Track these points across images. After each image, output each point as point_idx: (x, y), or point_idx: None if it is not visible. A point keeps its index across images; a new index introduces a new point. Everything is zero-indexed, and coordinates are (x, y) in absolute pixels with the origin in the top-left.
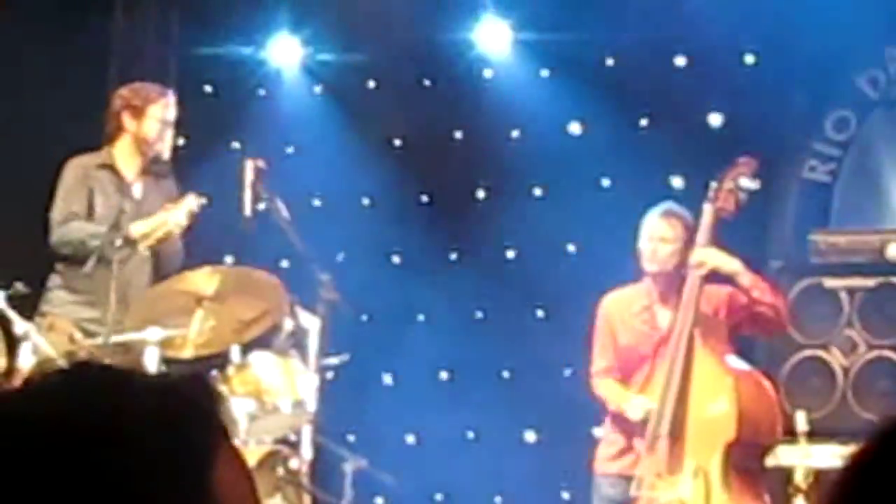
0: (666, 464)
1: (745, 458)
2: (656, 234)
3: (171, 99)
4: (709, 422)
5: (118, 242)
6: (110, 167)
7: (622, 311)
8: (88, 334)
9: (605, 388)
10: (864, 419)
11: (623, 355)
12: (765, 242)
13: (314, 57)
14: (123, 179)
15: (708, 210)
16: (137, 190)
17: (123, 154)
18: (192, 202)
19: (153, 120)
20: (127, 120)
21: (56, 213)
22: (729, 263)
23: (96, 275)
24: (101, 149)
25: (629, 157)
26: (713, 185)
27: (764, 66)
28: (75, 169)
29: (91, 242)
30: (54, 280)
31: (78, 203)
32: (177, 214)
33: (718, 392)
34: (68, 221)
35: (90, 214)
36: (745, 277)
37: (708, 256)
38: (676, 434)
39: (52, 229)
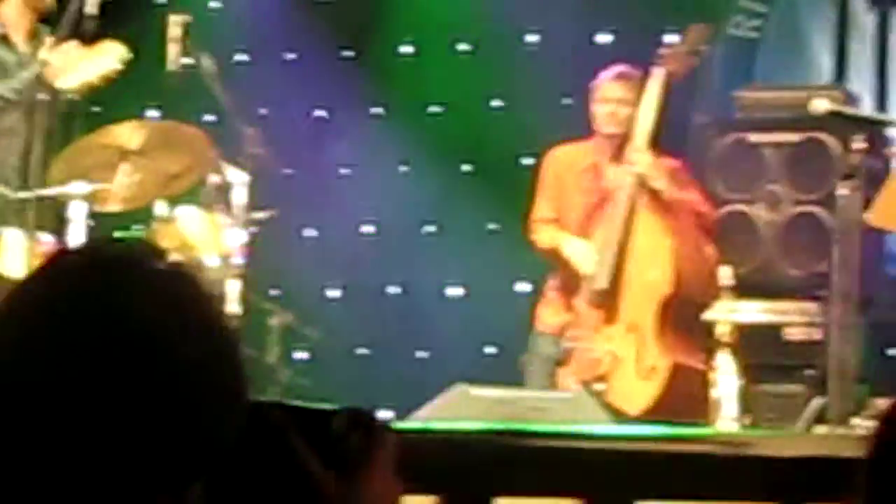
0: (601, 318)
1: (681, 315)
2: (613, 96)
3: None
4: (646, 278)
5: (43, 95)
6: (4, 37)
7: (569, 166)
8: None
9: (547, 235)
10: (788, 275)
11: (567, 209)
12: (690, 98)
13: None
14: (16, 49)
15: (659, 73)
16: (27, 56)
17: (13, 13)
18: (120, 49)
19: None
20: None
21: None
22: (656, 180)
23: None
24: None
25: (556, 13)
26: (664, 49)
27: None
28: None
29: (6, 95)
30: None
31: None
32: (108, 62)
33: (658, 250)
34: None
35: None
36: (668, 196)
37: (642, 161)
38: (613, 290)
39: None
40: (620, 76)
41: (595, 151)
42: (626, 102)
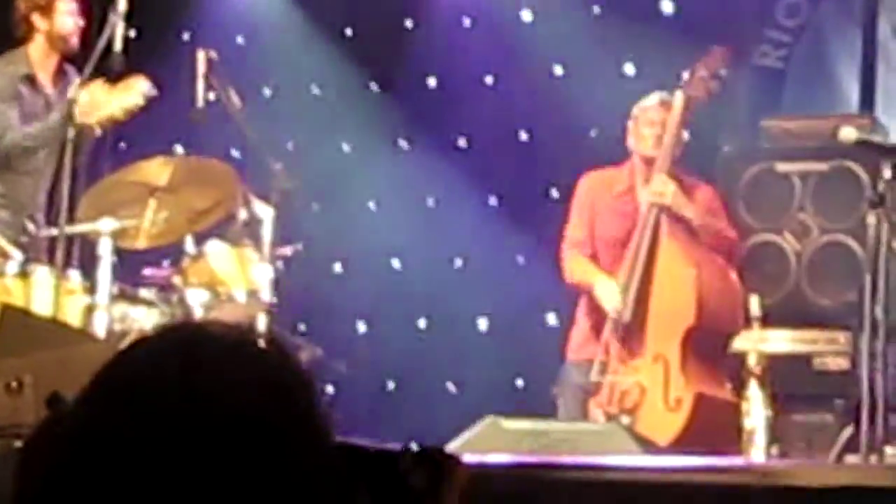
0: (627, 349)
1: (706, 345)
2: (657, 119)
3: None
4: (670, 309)
5: (70, 133)
6: (32, 79)
7: (603, 190)
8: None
9: (574, 261)
10: (817, 304)
11: (598, 234)
12: (717, 128)
13: None
14: (43, 90)
15: (680, 97)
16: (54, 97)
17: (39, 55)
18: (144, 84)
19: (63, 14)
20: (38, 20)
21: None
22: (684, 208)
23: (18, 178)
24: (14, 48)
25: (581, 45)
26: (686, 73)
27: None
28: (1, 78)
29: (26, 143)
30: None
31: (11, 114)
32: (132, 97)
33: (681, 280)
34: (6, 132)
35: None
36: (698, 223)
37: (668, 191)
38: (639, 320)
39: None
40: (663, 103)
41: (630, 175)
42: (665, 127)
